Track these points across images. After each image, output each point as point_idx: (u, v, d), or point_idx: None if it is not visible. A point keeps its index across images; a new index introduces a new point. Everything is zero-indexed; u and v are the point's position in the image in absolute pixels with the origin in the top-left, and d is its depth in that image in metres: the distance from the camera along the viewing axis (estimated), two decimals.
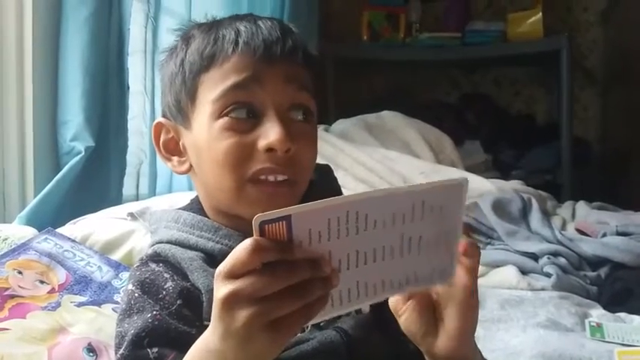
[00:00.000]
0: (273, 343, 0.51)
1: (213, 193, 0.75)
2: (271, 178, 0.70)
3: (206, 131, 0.71)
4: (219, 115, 0.71)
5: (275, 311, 0.50)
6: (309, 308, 0.51)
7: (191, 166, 0.77)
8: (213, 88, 0.71)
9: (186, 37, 0.77)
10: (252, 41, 0.71)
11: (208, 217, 0.77)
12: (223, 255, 0.70)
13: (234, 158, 0.70)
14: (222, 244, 0.73)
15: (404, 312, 0.63)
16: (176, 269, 0.73)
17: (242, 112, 0.70)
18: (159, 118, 0.80)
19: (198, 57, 0.73)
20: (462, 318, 0.61)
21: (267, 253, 0.49)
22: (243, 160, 0.69)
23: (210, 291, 0.67)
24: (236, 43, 0.71)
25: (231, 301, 0.50)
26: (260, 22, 0.73)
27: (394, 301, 0.64)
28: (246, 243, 0.50)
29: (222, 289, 0.51)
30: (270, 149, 0.69)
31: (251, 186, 0.70)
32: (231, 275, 0.50)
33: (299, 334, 0.69)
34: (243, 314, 0.50)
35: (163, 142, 0.79)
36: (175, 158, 0.78)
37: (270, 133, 0.69)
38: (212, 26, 0.75)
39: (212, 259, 0.72)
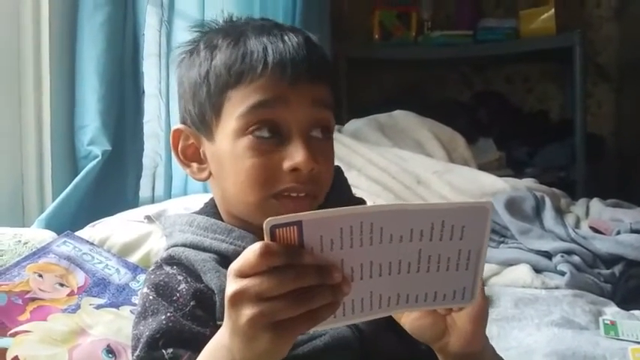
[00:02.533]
0: (276, 344, 0.52)
1: (232, 202, 0.77)
2: (294, 194, 0.72)
3: (230, 147, 0.73)
4: (244, 133, 0.72)
5: (278, 313, 0.51)
6: (315, 313, 0.51)
7: (210, 173, 0.78)
8: (239, 105, 0.72)
9: (210, 46, 0.76)
10: (280, 60, 0.71)
11: (222, 220, 0.79)
12: (236, 256, 0.72)
13: (259, 177, 0.71)
14: (235, 245, 0.74)
15: (406, 321, 0.64)
16: (190, 271, 0.74)
17: (266, 130, 0.72)
18: (178, 125, 0.80)
19: (225, 72, 0.73)
20: (474, 319, 0.62)
21: (275, 258, 0.50)
22: (269, 179, 0.71)
23: (223, 291, 0.68)
24: (264, 61, 0.71)
25: (237, 299, 0.52)
26: (286, 38, 0.73)
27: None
28: (256, 246, 0.51)
29: (231, 285, 0.52)
30: (294, 169, 0.71)
31: (275, 201, 0.72)
32: (241, 274, 0.52)
33: (311, 331, 0.70)
34: (247, 312, 0.51)
35: (182, 148, 0.79)
36: (195, 165, 0.79)
37: (295, 155, 0.70)
38: (239, 39, 0.74)
39: (225, 260, 0.73)
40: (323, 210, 0.51)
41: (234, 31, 0.77)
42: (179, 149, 0.79)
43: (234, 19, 0.81)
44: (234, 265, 0.52)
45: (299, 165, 0.70)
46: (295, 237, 0.50)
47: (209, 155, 0.77)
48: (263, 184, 0.71)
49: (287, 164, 0.71)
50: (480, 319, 0.62)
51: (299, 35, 0.75)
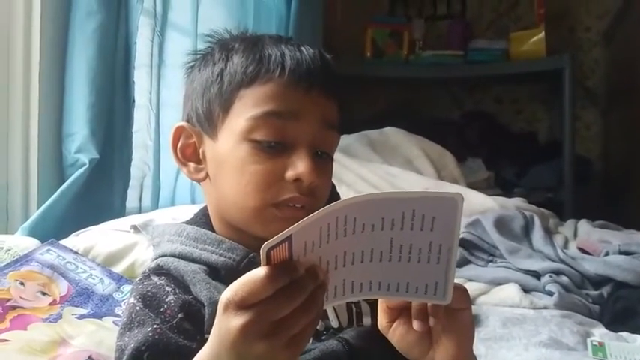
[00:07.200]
0: (294, 358, 0.53)
1: (226, 206, 0.76)
2: (297, 205, 0.71)
3: (233, 148, 0.72)
4: (250, 136, 0.71)
5: (292, 329, 0.51)
6: (316, 315, 0.53)
7: (207, 175, 0.77)
8: (250, 106, 0.72)
9: (226, 48, 0.77)
10: (296, 67, 0.72)
11: (212, 230, 0.78)
12: (226, 267, 0.72)
13: (261, 184, 0.71)
14: (225, 256, 0.73)
15: (394, 336, 0.64)
16: (178, 282, 0.73)
17: (273, 138, 0.71)
18: (181, 122, 0.79)
19: (240, 71, 0.73)
20: (459, 334, 0.62)
21: (279, 281, 0.51)
22: (271, 186, 0.71)
23: (213, 303, 0.67)
24: (282, 66, 0.72)
25: (249, 331, 0.51)
26: (303, 49, 0.75)
27: (383, 325, 0.64)
28: (259, 274, 0.51)
29: (236, 319, 0.51)
30: (296, 179, 0.71)
31: (274, 209, 0.71)
32: (244, 304, 0.51)
33: None
34: (263, 342, 0.51)
35: (181, 146, 0.78)
36: (192, 165, 0.78)
37: (298, 165, 0.71)
38: (256, 43, 0.75)
39: (215, 271, 0.73)
40: (305, 218, 0.51)
41: (250, 38, 0.78)
42: (178, 147, 0.78)
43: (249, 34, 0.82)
44: (233, 297, 0.51)
45: (301, 175, 0.70)
46: (286, 252, 0.51)
47: (209, 155, 0.76)
48: (264, 191, 0.71)
49: (290, 173, 0.71)
50: (466, 332, 0.63)
51: (315, 50, 0.76)
